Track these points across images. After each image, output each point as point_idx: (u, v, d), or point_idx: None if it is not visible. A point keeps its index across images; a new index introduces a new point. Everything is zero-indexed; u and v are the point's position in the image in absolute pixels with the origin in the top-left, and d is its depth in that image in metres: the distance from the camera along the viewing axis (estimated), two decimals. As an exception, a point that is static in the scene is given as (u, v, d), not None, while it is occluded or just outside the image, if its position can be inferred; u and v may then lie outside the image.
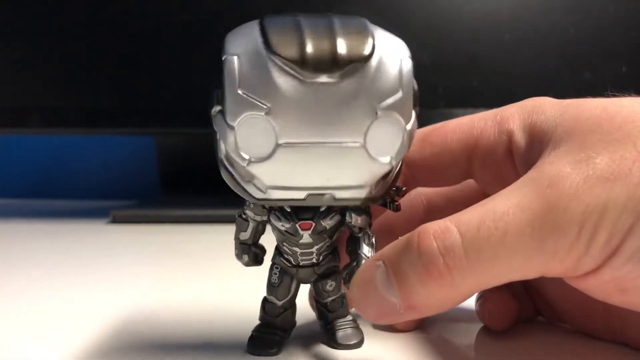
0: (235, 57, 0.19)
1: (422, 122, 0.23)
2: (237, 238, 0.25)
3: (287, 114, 0.19)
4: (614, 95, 0.23)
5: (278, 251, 0.25)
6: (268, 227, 0.24)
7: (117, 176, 0.90)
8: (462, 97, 0.63)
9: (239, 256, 0.25)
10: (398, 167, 0.22)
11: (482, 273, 0.19)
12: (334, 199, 0.21)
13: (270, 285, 0.25)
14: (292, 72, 0.19)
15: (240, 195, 0.22)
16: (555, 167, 0.20)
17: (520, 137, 0.23)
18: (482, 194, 0.25)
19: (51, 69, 0.65)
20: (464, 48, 0.64)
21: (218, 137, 0.21)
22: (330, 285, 0.25)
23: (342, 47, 0.19)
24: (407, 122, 0.20)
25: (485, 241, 0.19)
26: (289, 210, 0.23)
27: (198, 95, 0.67)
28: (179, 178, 0.80)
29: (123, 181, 0.90)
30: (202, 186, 0.78)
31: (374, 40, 0.20)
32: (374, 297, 0.21)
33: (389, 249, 0.21)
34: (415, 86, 0.21)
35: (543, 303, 0.29)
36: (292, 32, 0.19)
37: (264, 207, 0.23)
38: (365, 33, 0.20)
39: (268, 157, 0.20)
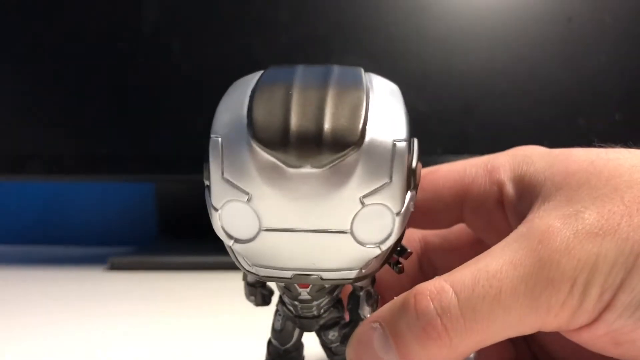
0: (220, 139, 0.19)
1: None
2: (245, 279, 0.26)
3: (269, 202, 0.19)
4: (601, 146, 0.23)
5: (281, 299, 0.24)
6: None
7: (116, 222, 0.90)
8: (458, 144, 0.64)
9: (247, 296, 0.26)
10: (402, 231, 0.20)
11: (479, 332, 0.19)
12: (322, 279, 0.20)
13: (274, 330, 0.25)
14: (273, 159, 0.18)
15: (234, 262, 0.22)
16: (545, 222, 0.20)
17: (510, 189, 0.24)
18: (474, 236, 0.25)
19: (51, 116, 0.65)
20: (460, 96, 0.65)
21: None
22: (332, 335, 0.24)
23: (329, 133, 0.18)
24: (399, 207, 0.19)
25: (481, 300, 0.19)
26: None
27: (198, 142, 0.68)
28: (178, 225, 0.80)
29: (121, 228, 0.90)
30: (201, 233, 0.78)
31: (366, 118, 0.18)
32: (371, 359, 0.20)
33: (385, 310, 0.21)
34: (414, 164, 0.20)
35: (540, 350, 0.28)
36: (278, 108, 0.18)
37: None
38: (358, 110, 0.18)
39: (251, 239, 0.20)
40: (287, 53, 0.64)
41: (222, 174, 0.19)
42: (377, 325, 0.20)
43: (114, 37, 0.65)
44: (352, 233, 0.19)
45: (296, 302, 0.23)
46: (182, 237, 0.77)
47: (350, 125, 0.18)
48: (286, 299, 0.24)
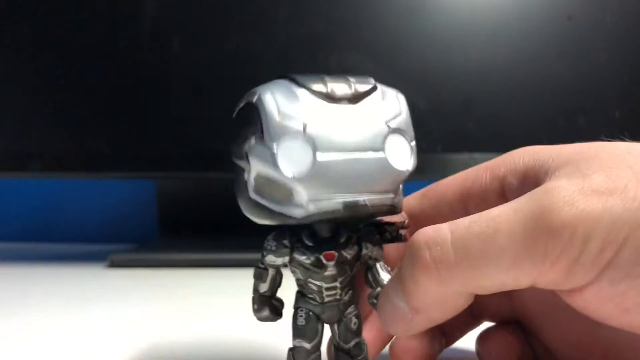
0: (269, 93, 0.22)
1: (419, 166, 0.24)
2: (256, 291, 0.25)
3: (320, 131, 0.22)
4: (608, 140, 0.23)
5: (301, 294, 0.25)
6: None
7: (116, 220, 0.90)
8: (457, 142, 0.64)
9: (258, 311, 0.25)
10: (401, 193, 0.24)
11: (469, 269, 0.20)
12: (367, 206, 0.22)
13: (298, 329, 0.24)
14: (319, 99, 0.22)
15: (277, 224, 0.23)
16: (552, 182, 0.20)
17: (511, 179, 0.24)
18: None
19: (52, 114, 0.65)
20: (459, 93, 0.65)
21: (246, 176, 0.23)
22: (354, 323, 0.25)
23: (354, 84, 0.23)
24: (411, 140, 0.24)
25: (475, 237, 0.20)
26: (311, 244, 0.24)
27: (197, 139, 0.68)
28: (178, 222, 0.80)
29: (122, 225, 0.90)
30: (201, 230, 0.79)
31: (375, 82, 0.24)
32: (388, 305, 0.22)
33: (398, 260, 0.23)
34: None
35: (540, 347, 0.28)
36: (314, 77, 0.23)
37: (285, 245, 0.24)
38: (369, 78, 0.24)
39: (308, 171, 0.22)
40: (287, 50, 0.64)
41: (277, 117, 0.22)
42: (395, 272, 0.23)
43: (114, 35, 0.65)
44: (386, 154, 0.23)
45: (321, 283, 0.24)
46: (182, 234, 0.77)
47: (366, 80, 0.24)
48: (311, 286, 0.24)
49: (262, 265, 0.25)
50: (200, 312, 0.41)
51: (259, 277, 0.25)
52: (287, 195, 0.22)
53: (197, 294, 0.48)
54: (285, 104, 0.22)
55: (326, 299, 0.24)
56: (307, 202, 0.22)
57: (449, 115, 0.64)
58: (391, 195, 0.23)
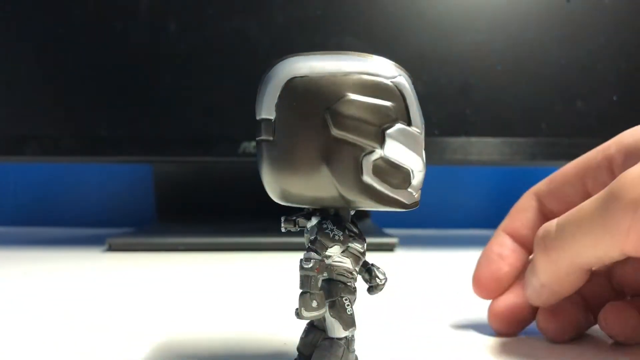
0: (403, 77, 0.23)
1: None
2: (315, 287, 0.23)
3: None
4: None
5: (341, 284, 0.24)
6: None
7: (114, 204, 0.90)
8: (455, 126, 0.64)
9: (320, 306, 0.23)
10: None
11: (568, 250, 0.25)
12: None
13: (350, 318, 0.24)
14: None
15: (388, 209, 0.23)
16: (628, 171, 0.24)
17: (618, 159, 0.29)
18: None
19: (49, 97, 0.65)
20: (457, 78, 0.65)
21: (362, 159, 0.22)
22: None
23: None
24: None
25: (568, 225, 0.25)
26: (357, 231, 0.24)
27: (195, 123, 0.68)
28: (176, 206, 0.80)
29: (120, 209, 0.90)
30: (199, 214, 0.79)
31: None
32: (529, 282, 0.29)
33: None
34: None
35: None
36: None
37: (349, 235, 0.24)
38: None
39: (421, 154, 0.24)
40: (283, 34, 0.64)
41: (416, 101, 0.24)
42: (530, 257, 0.30)
43: (111, 18, 0.64)
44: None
45: (358, 270, 0.25)
46: (179, 218, 0.78)
47: None
48: (355, 274, 0.24)
49: (319, 257, 0.23)
50: (199, 295, 0.42)
51: (321, 271, 0.23)
52: (404, 182, 0.23)
53: (196, 278, 0.48)
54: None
55: (355, 283, 0.25)
56: (417, 188, 0.24)
57: (447, 100, 0.64)
58: None
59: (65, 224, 0.89)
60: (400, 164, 0.23)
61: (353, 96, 0.22)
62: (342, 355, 0.24)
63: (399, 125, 0.23)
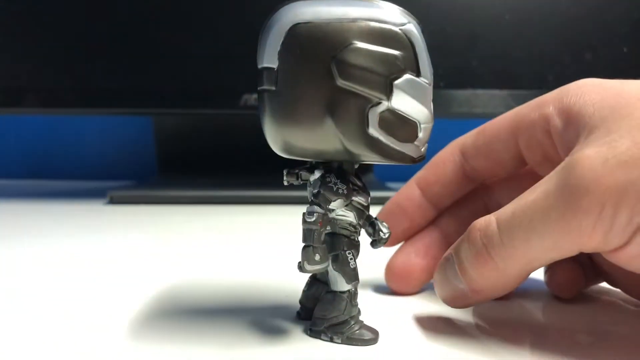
0: (412, 24, 0.22)
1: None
2: (318, 240, 0.23)
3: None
4: None
5: (344, 237, 0.24)
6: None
7: (115, 157, 0.90)
8: (461, 78, 0.63)
9: (320, 262, 0.23)
10: None
11: (520, 256, 0.22)
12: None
13: (353, 272, 0.24)
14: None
15: (390, 162, 0.23)
16: (581, 154, 0.21)
17: (557, 121, 0.25)
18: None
19: (48, 48, 0.64)
20: (464, 29, 0.63)
21: (368, 111, 0.22)
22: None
23: None
24: None
25: (517, 228, 0.22)
26: (361, 184, 0.24)
27: (195, 75, 0.67)
28: (177, 159, 0.80)
29: (120, 162, 0.90)
30: (200, 167, 0.78)
31: None
32: (447, 285, 0.25)
33: (455, 244, 0.25)
34: None
35: (602, 272, 0.30)
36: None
37: (352, 188, 0.24)
38: None
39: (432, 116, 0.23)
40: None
41: (426, 52, 0.23)
42: (450, 255, 0.25)
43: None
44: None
45: (361, 223, 0.24)
46: (180, 171, 0.77)
47: None
48: (357, 227, 0.24)
49: (322, 211, 0.23)
50: (200, 248, 0.41)
51: (324, 224, 0.23)
52: (412, 135, 0.22)
53: (197, 230, 0.48)
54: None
55: (358, 237, 0.24)
56: (424, 142, 0.23)
57: (453, 51, 0.63)
58: None
59: (66, 176, 0.89)
60: (408, 117, 0.22)
61: (360, 44, 0.21)
62: (345, 309, 0.24)
63: (407, 76, 0.22)
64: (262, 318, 0.26)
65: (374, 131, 0.22)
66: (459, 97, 0.62)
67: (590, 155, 0.21)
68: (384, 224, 0.25)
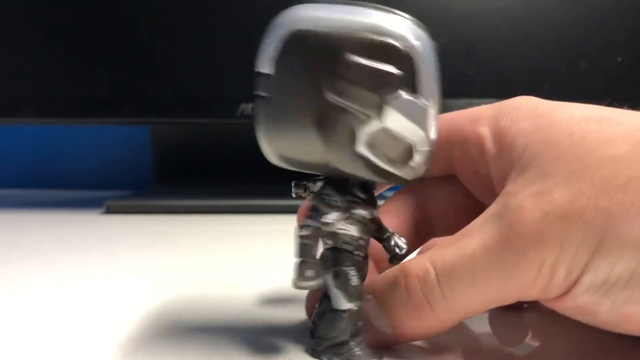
0: (422, 43, 0.21)
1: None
2: (313, 256, 0.22)
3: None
4: (612, 105, 0.24)
5: (347, 253, 0.23)
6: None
7: (112, 166, 0.90)
8: (457, 87, 0.63)
9: (314, 278, 0.22)
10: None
11: (460, 309, 0.22)
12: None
13: (354, 290, 0.23)
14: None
15: (381, 181, 0.22)
16: (517, 200, 0.21)
17: (490, 143, 0.25)
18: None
19: (46, 58, 0.64)
20: (460, 38, 0.63)
21: (355, 125, 0.21)
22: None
23: None
24: None
25: (458, 284, 0.22)
26: (365, 197, 0.23)
27: (193, 85, 0.67)
28: (174, 168, 0.80)
29: (117, 171, 0.90)
30: (197, 176, 0.78)
31: None
32: (367, 327, 0.23)
33: (377, 284, 0.23)
34: None
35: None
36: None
37: (350, 201, 0.23)
38: None
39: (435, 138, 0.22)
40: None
41: (436, 70, 0.23)
42: (371, 297, 0.23)
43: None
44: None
45: (367, 238, 0.23)
46: (177, 180, 0.77)
47: None
48: (361, 242, 0.23)
49: (316, 224, 0.22)
50: (196, 257, 0.41)
51: (316, 240, 0.22)
52: (404, 156, 0.21)
53: (194, 240, 0.48)
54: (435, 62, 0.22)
55: (364, 253, 0.23)
56: (422, 165, 0.22)
57: (449, 61, 0.63)
58: None
59: (62, 186, 0.89)
60: (401, 137, 0.21)
61: (353, 58, 0.20)
62: (345, 329, 0.23)
63: (401, 94, 0.21)
64: (262, 334, 0.26)
65: (362, 149, 0.21)
66: (455, 106, 0.62)
67: (529, 208, 0.21)
68: (402, 239, 0.24)
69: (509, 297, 0.22)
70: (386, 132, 0.21)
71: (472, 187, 0.27)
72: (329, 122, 0.21)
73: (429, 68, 0.21)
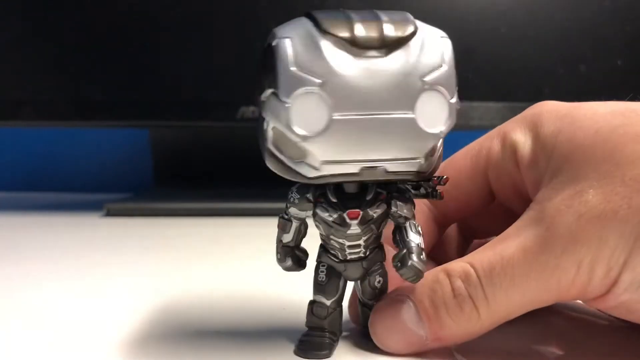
0: (288, 39, 0.20)
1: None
2: (279, 241, 0.24)
3: (340, 87, 0.20)
4: (635, 99, 0.24)
5: (324, 249, 0.24)
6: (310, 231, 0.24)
7: (111, 169, 0.90)
8: (457, 91, 0.63)
9: (281, 260, 0.24)
10: (440, 152, 0.23)
11: (502, 311, 0.22)
12: (386, 172, 0.21)
13: (318, 285, 0.24)
14: (343, 48, 0.20)
15: (292, 179, 0.22)
16: (552, 205, 0.22)
17: (524, 152, 0.25)
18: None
19: (44, 61, 0.64)
20: (460, 41, 0.63)
21: (265, 125, 0.21)
22: (378, 282, 0.24)
23: (387, 28, 0.21)
24: (451, 96, 0.22)
25: (499, 286, 0.22)
26: (335, 200, 0.23)
27: (191, 87, 0.67)
28: (174, 171, 0.80)
29: (117, 174, 0.89)
30: (197, 179, 0.78)
31: (415, 25, 0.21)
32: (400, 331, 0.23)
33: (417, 288, 0.23)
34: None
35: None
36: (341, 18, 0.21)
37: (309, 200, 0.23)
38: (407, 19, 0.21)
39: (322, 131, 0.20)
40: (287, 3, 0.62)
41: (293, 67, 0.20)
42: (408, 300, 0.23)
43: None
44: (415, 118, 0.21)
45: (344, 241, 0.23)
46: (177, 183, 0.77)
47: (403, 23, 0.21)
48: (333, 242, 0.23)
49: (286, 216, 0.24)
50: (197, 260, 0.41)
51: (282, 228, 0.24)
52: (301, 154, 0.21)
53: (194, 243, 0.48)
54: (303, 53, 0.20)
55: (348, 257, 0.23)
56: (321, 163, 0.21)
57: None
58: (418, 161, 0.21)
59: (62, 189, 0.89)
60: (286, 134, 0.21)
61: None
62: (307, 319, 0.24)
63: (268, 92, 0.21)
64: (262, 336, 0.26)
65: (271, 146, 0.22)
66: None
67: (564, 211, 0.21)
68: (422, 257, 0.23)
69: (549, 298, 0.22)
70: (275, 130, 0.21)
71: (514, 204, 0.27)
72: (258, 124, 0.22)
73: (289, 65, 0.20)
